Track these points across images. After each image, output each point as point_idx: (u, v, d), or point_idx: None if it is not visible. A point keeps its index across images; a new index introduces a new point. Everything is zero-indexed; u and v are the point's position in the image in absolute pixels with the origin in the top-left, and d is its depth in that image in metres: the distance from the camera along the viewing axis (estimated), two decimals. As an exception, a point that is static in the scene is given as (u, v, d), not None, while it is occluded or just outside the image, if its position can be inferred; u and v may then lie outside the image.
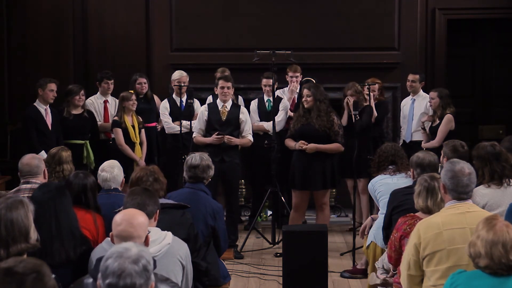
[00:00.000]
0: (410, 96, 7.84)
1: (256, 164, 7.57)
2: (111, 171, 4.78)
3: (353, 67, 8.54)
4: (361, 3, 8.69)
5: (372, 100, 7.33)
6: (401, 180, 5.38)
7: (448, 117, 7.15)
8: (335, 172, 6.82)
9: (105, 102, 7.84)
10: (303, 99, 6.77)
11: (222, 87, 6.87)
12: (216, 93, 7.08)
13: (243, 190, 8.50)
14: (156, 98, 7.99)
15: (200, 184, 4.89)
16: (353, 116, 6.90)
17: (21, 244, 3.09)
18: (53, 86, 7.17)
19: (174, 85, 7.63)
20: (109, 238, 3.26)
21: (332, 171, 6.78)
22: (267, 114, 7.56)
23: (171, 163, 7.38)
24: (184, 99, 7.51)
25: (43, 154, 6.32)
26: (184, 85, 7.48)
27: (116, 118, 7.30)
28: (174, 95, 7.65)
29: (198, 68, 8.48)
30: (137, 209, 3.33)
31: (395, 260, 4.30)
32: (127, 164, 6.77)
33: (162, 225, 3.61)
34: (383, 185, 5.45)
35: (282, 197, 7.16)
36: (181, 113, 7.41)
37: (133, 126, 7.31)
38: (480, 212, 3.54)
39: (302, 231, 5.47)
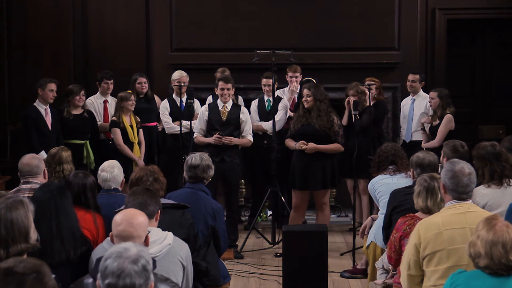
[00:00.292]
0: (410, 96, 7.84)
1: (256, 164, 7.57)
2: (111, 171, 4.78)
3: (353, 67, 8.53)
4: (361, 3, 8.68)
5: (369, 100, 7.33)
6: (401, 180, 5.38)
7: (448, 117, 7.15)
8: (335, 172, 6.82)
9: (105, 102, 7.84)
10: (303, 99, 6.77)
11: (222, 89, 6.87)
12: (216, 93, 7.08)
13: (243, 190, 8.50)
14: (156, 98, 7.99)
15: (200, 184, 4.90)
16: (353, 116, 6.90)
17: (21, 244, 3.09)
18: (53, 86, 7.18)
19: (174, 85, 7.63)
20: (109, 238, 3.25)
21: (332, 171, 6.78)
22: (266, 114, 7.56)
23: (171, 163, 7.38)
24: (184, 99, 7.50)
25: (43, 154, 6.33)
26: (184, 85, 7.49)
27: (114, 118, 7.30)
28: (174, 95, 7.65)
29: (198, 68, 8.48)
30: (139, 209, 3.34)
31: (395, 261, 4.30)
32: (127, 164, 6.77)
33: (162, 225, 3.61)
34: (383, 185, 5.45)
35: (282, 197, 7.16)
36: (181, 113, 7.41)
37: (131, 126, 7.31)
38: (480, 212, 3.54)
39: (302, 231, 5.47)
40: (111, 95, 7.85)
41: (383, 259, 4.75)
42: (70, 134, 7.26)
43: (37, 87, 7.19)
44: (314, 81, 7.53)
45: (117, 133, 7.23)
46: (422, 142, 7.29)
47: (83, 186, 4.31)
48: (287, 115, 7.59)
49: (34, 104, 7.19)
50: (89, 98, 7.77)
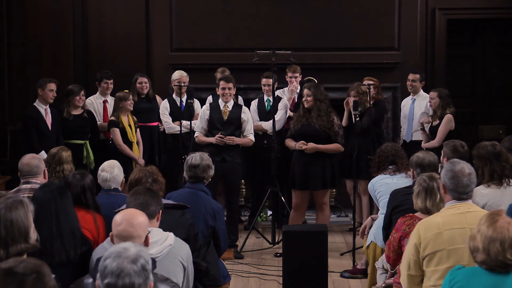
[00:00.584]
0: (411, 96, 7.84)
1: (256, 164, 7.57)
2: (111, 171, 4.78)
3: (353, 67, 8.53)
4: (361, 3, 8.68)
5: (370, 101, 7.34)
6: (401, 180, 5.38)
7: (448, 117, 7.14)
8: (335, 172, 6.82)
9: (105, 102, 7.84)
10: (303, 98, 6.77)
11: (223, 88, 6.88)
12: (218, 93, 7.07)
13: (243, 190, 8.50)
14: (158, 98, 7.99)
15: (200, 184, 4.89)
16: (353, 116, 6.90)
17: (20, 244, 3.09)
18: (52, 86, 7.18)
19: (174, 85, 7.62)
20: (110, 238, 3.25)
21: (332, 171, 6.78)
22: (266, 114, 7.56)
23: (171, 163, 7.39)
24: (184, 99, 7.50)
25: (43, 154, 6.33)
26: (184, 85, 7.48)
27: (113, 118, 7.30)
28: (174, 95, 7.65)
29: (198, 68, 8.48)
30: (140, 209, 3.34)
31: (393, 260, 4.30)
32: (127, 163, 6.77)
33: (162, 225, 3.61)
34: (383, 185, 5.45)
35: (282, 197, 7.16)
36: (181, 113, 7.41)
37: (130, 126, 7.32)
38: (480, 212, 3.54)
39: (302, 231, 5.47)
40: (110, 95, 7.84)
41: (383, 259, 4.75)
42: (70, 134, 7.26)
43: (37, 87, 7.19)
44: (315, 81, 7.53)
45: (116, 133, 7.23)
46: (422, 142, 7.29)
47: (82, 187, 4.30)
48: (287, 115, 7.59)
49: (34, 104, 7.19)
50: (89, 98, 7.77)
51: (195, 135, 6.96)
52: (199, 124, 6.95)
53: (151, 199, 3.58)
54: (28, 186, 4.57)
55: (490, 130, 9.27)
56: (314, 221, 7.24)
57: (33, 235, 3.17)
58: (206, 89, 8.20)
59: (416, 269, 3.55)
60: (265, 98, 7.69)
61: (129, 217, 3.10)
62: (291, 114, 7.48)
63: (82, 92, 7.37)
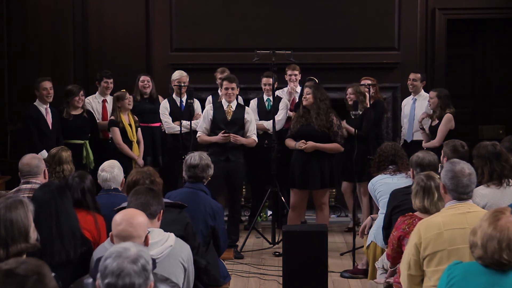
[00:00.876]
0: (412, 95, 7.84)
1: (256, 164, 7.56)
2: (111, 171, 4.78)
3: (353, 67, 8.53)
4: (361, 3, 8.68)
5: (369, 102, 7.35)
6: (401, 180, 5.38)
7: (448, 116, 7.14)
8: (334, 172, 6.81)
9: (104, 101, 7.83)
10: (303, 96, 6.78)
11: (227, 88, 6.87)
12: (220, 93, 7.06)
13: (243, 190, 8.49)
14: (161, 98, 7.98)
15: (200, 184, 4.87)
16: (352, 115, 6.90)
17: (20, 244, 3.09)
18: (46, 84, 7.15)
19: (174, 85, 7.62)
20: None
21: (331, 171, 6.77)
22: (266, 113, 7.56)
23: (171, 163, 7.39)
24: (184, 99, 7.50)
25: (44, 154, 6.32)
26: (184, 85, 7.48)
27: (113, 117, 7.31)
28: (174, 95, 7.65)
29: (198, 68, 8.48)
30: (141, 209, 3.34)
31: (393, 259, 4.30)
32: (126, 163, 6.77)
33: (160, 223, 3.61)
34: (383, 185, 5.45)
35: (282, 197, 7.16)
36: (181, 113, 7.40)
37: (130, 125, 7.32)
38: (480, 213, 3.53)
39: (302, 231, 5.46)
40: (110, 95, 7.84)
41: (383, 259, 4.75)
42: (70, 134, 7.25)
43: (34, 88, 7.22)
44: (316, 80, 7.54)
45: (116, 132, 7.23)
46: (423, 142, 7.29)
47: (82, 190, 4.30)
48: (288, 115, 7.59)
49: (35, 103, 7.20)
50: (88, 97, 7.77)
51: (198, 135, 6.94)
52: (202, 124, 6.94)
53: (152, 199, 3.57)
54: (28, 186, 4.57)
55: (490, 130, 9.27)
56: (314, 221, 7.24)
57: (33, 234, 3.16)
58: (206, 89, 8.20)
59: (416, 269, 3.55)
60: (265, 97, 7.69)
61: (129, 217, 3.10)
62: (291, 114, 7.48)
63: (81, 92, 7.37)
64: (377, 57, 8.67)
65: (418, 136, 7.55)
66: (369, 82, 7.45)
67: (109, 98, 7.81)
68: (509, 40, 9.62)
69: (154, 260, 2.49)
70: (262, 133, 7.50)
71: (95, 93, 7.93)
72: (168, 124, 7.54)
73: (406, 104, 7.89)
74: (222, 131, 6.75)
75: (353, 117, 6.76)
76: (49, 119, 7.17)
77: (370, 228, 5.53)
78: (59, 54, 8.95)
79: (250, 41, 8.39)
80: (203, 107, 7.64)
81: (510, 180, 4.66)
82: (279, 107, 7.52)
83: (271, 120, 7.20)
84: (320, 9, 8.68)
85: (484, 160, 4.72)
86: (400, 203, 4.75)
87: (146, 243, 3.09)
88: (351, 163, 6.81)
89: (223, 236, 4.85)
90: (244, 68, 8.16)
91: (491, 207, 4.49)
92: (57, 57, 8.95)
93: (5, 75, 8.95)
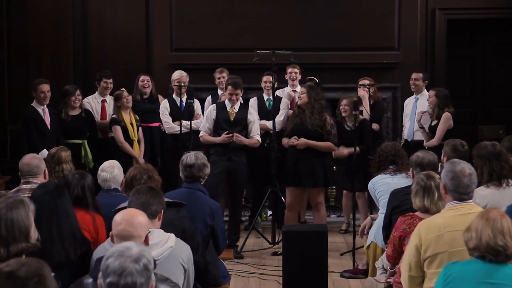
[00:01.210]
0: (414, 95, 7.83)
1: (256, 164, 7.56)
2: (111, 171, 4.77)
3: (353, 67, 8.53)
4: (361, 3, 8.68)
5: (367, 101, 7.35)
6: (401, 180, 5.38)
7: (446, 115, 7.14)
8: (327, 171, 6.81)
9: (103, 101, 7.83)
10: (298, 96, 6.80)
11: (231, 94, 6.84)
12: (220, 93, 7.04)
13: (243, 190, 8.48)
14: (161, 98, 7.98)
15: (197, 184, 4.84)
16: (353, 115, 6.90)
17: (21, 244, 3.09)
18: (44, 88, 7.11)
19: (174, 85, 7.62)
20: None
21: (324, 169, 6.77)
22: (267, 113, 7.55)
23: (171, 163, 7.37)
24: (184, 99, 7.50)
25: (45, 153, 6.31)
26: (184, 85, 7.48)
27: (114, 116, 7.31)
28: (174, 95, 7.65)
29: (198, 68, 8.47)
30: (141, 208, 3.34)
31: (393, 259, 4.30)
32: (127, 162, 6.76)
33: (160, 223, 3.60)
34: (383, 185, 5.45)
35: (282, 197, 7.15)
36: (181, 113, 7.40)
37: (131, 124, 7.32)
38: (481, 213, 3.54)
39: (302, 231, 5.46)
40: (110, 95, 7.83)
41: (383, 259, 4.75)
42: (68, 134, 7.24)
43: (31, 89, 7.20)
44: (317, 80, 7.54)
45: (117, 131, 7.23)
46: (424, 141, 7.29)
47: (82, 187, 4.30)
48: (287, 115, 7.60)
49: (32, 104, 7.19)
50: (87, 97, 7.77)
51: (200, 134, 6.93)
52: (204, 124, 6.93)
53: (152, 198, 3.56)
54: (28, 186, 4.56)
55: (490, 130, 9.27)
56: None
57: (34, 234, 3.17)
58: (206, 89, 8.20)
59: (417, 270, 3.54)
60: (266, 97, 7.69)
61: (129, 217, 3.10)
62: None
63: (78, 92, 7.35)
64: (377, 57, 8.67)
65: (419, 135, 7.54)
66: (367, 82, 7.45)
67: (109, 98, 7.80)
68: (509, 40, 9.62)
69: (154, 261, 2.48)
70: (264, 133, 7.50)
71: (95, 93, 7.93)
72: (168, 124, 7.54)
73: (408, 103, 7.87)
74: (226, 132, 6.74)
75: (353, 116, 6.76)
76: (47, 119, 7.16)
77: (370, 228, 5.53)
78: (59, 54, 8.95)
79: (250, 41, 8.39)
80: (203, 107, 7.65)
81: (509, 180, 4.66)
82: (280, 107, 7.52)
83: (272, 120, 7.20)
84: (320, 9, 8.67)
85: (483, 160, 4.72)
86: (400, 203, 4.75)
87: (146, 243, 3.09)
88: (352, 173, 6.83)
89: (222, 236, 4.84)
90: (244, 68, 8.15)
91: (491, 208, 4.51)
92: (57, 57, 8.95)
93: (5, 75, 8.95)
